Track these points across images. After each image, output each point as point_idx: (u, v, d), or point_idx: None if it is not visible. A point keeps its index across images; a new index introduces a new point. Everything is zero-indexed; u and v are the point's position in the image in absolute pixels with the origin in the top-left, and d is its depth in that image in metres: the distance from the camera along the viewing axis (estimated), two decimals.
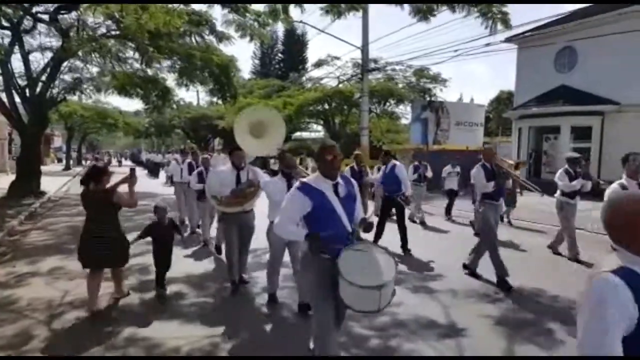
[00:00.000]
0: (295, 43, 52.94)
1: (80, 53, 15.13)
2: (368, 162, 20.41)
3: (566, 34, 19.15)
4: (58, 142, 51.10)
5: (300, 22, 20.53)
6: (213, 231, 8.57)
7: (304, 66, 47.19)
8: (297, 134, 35.91)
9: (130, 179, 5.08)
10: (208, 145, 41.20)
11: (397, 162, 8.52)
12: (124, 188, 5.12)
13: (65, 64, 16.48)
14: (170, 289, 5.84)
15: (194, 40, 13.48)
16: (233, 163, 5.75)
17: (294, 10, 18.78)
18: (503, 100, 45.32)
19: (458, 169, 12.65)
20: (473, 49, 17.42)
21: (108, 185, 5.02)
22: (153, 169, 29.02)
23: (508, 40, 21.61)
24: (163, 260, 5.80)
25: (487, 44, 16.50)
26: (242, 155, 5.73)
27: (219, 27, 13.04)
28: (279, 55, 55.28)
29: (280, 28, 54.49)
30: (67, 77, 17.43)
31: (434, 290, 5.98)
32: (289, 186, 4.53)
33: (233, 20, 10.15)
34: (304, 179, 3.33)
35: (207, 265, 7.25)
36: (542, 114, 20.34)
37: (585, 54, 19.18)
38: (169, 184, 21.33)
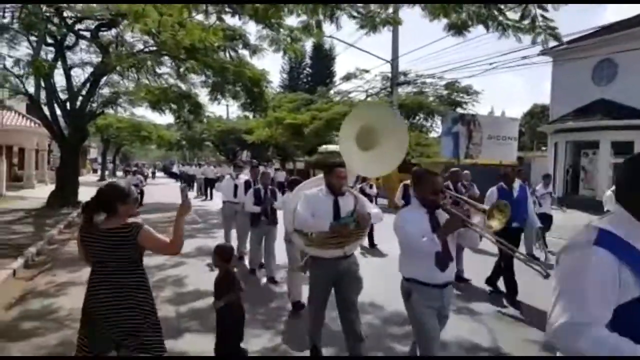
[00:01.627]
0: (323, 58, 53.25)
1: (118, 68, 15.64)
2: (396, 177, 20.38)
3: (605, 46, 18.62)
4: (94, 153, 52.63)
5: (330, 37, 20.62)
6: None
7: (332, 80, 47.43)
8: (326, 146, 36.00)
9: (182, 205, 3.17)
10: (236, 158, 41.82)
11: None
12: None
13: (103, 79, 17.05)
14: (204, 301, 5.87)
15: (227, 55, 13.73)
16: (331, 185, 3.87)
17: (326, 26, 18.93)
18: (537, 114, 44.41)
19: (550, 188, 10.78)
20: (508, 62, 17.22)
21: (132, 219, 3.02)
22: (187, 181, 28.63)
23: (543, 53, 21.25)
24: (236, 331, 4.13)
25: (525, 57, 16.39)
26: (344, 174, 3.87)
27: (252, 42, 13.29)
28: (307, 69, 55.68)
29: (308, 43, 54.78)
30: (105, 92, 17.99)
31: (479, 312, 5.84)
32: (435, 224, 3.17)
33: (267, 35, 10.25)
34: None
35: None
36: (579, 128, 19.83)
37: (625, 66, 18.66)
38: (201, 198, 22.20)
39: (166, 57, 16.16)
